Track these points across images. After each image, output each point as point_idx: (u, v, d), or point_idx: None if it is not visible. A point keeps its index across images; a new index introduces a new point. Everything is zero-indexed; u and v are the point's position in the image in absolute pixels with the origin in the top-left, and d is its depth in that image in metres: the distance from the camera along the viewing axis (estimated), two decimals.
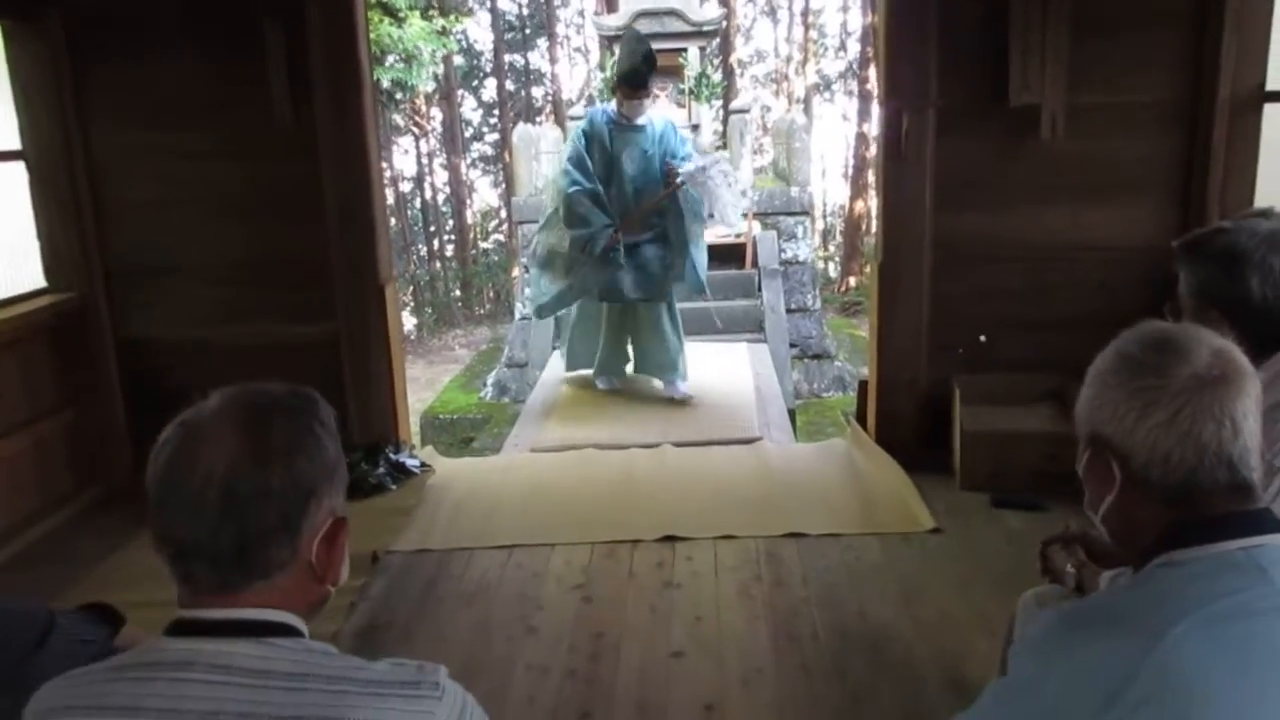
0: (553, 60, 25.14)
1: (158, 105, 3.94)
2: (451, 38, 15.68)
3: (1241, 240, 1.66)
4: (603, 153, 5.09)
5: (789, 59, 25.23)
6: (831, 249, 23.66)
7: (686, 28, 10.73)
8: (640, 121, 5.11)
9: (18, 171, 3.93)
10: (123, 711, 0.95)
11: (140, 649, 1.01)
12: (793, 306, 8.80)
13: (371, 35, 12.19)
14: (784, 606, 2.97)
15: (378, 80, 12.39)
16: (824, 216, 25.44)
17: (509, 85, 25.33)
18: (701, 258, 5.22)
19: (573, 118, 9.66)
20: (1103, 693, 1.00)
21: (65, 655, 1.71)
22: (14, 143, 3.90)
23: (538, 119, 25.36)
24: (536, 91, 26.43)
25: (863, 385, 4.34)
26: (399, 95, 14.50)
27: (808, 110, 23.94)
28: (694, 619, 2.92)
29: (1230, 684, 0.98)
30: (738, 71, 23.50)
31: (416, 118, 22.42)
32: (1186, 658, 0.99)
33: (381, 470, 3.99)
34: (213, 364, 4.08)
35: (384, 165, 21.92)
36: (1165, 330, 1.16)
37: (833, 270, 21.54)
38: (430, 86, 18.98)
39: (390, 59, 12.54)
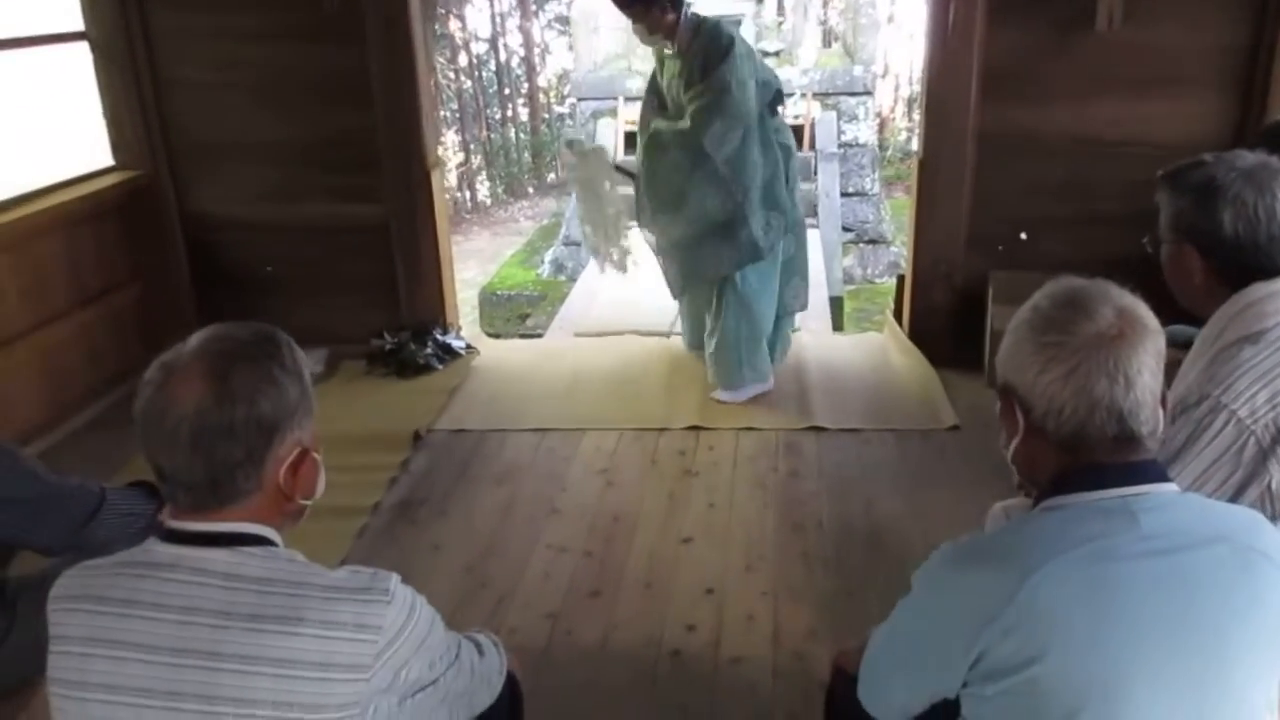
0: None
1: None
2: None
3: (1219, 174, 1.66)
4: (655, 90, 3.89)
5: None
6: (917, 117, 22.85)
7: None
8: (679, 46, 3.60)
9: (83, 53, 4.09)
10: (122, 603, 1.13)
11: (137, 549, 1.19)
12: (850, 190, 8.63)
13: None
14: (794, 497, 3.11)
15: None
16: (910, 83, 24.46)
17: None
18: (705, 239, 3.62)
19: None
20: (978, 619, 1.12)
21: (114, 527, 1.95)
22: (78, 25, 4.04)
23: None
24: None
25: (900, 280, 4.36)
26: None
27: None
28: (707, 506, 3.08)
29: (1085, 619, 1.08)
30: None
31: None
32: (1050, 594, 1.09)
33: (429, 351, 4.18)
34: (271, 241, 4.30)
35: (459, 24, 21.66)
36: (1076, 288, 1.21)
37: (915, 143, 20.85)
38: None
39: None
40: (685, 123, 3.52)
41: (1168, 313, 1.86)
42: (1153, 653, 1.09)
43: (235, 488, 1.16)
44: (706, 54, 3.50)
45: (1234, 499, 1.60)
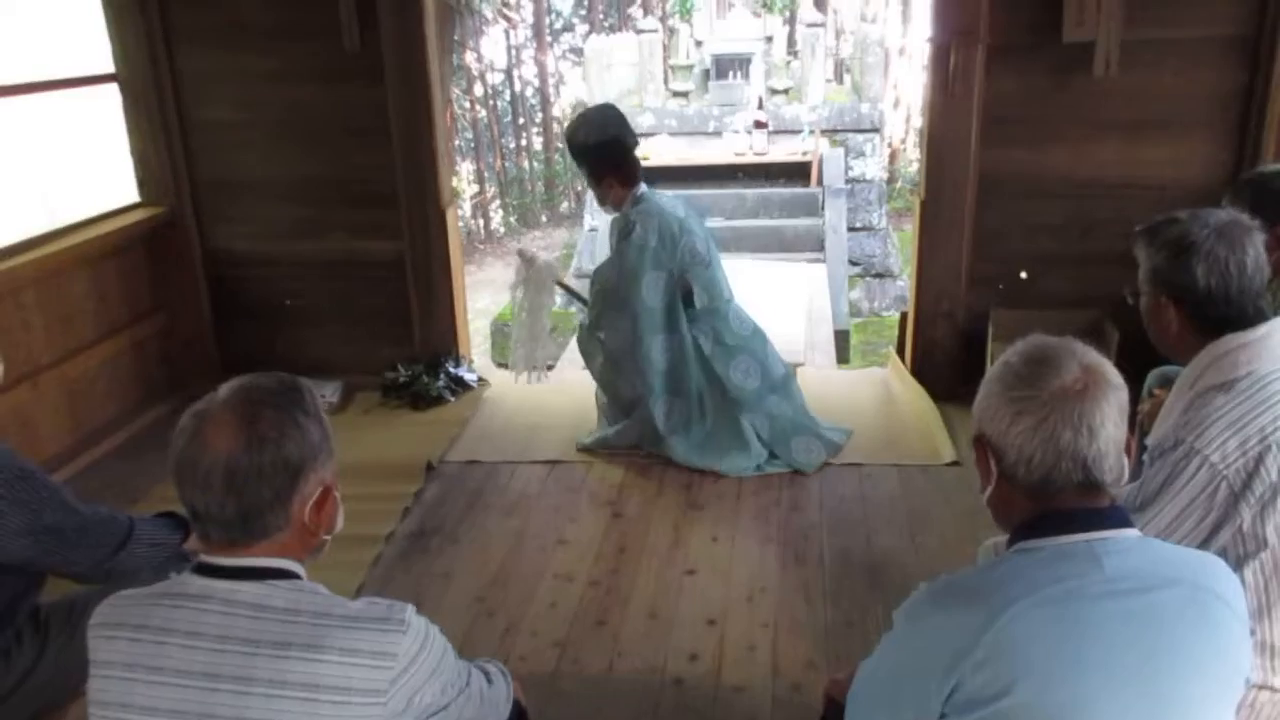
0: None
1: (237, 29, 4.14)
2: None
3: (1193, 230, 1.76)
4: None
5: None
6: None
7: None
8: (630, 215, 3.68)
9: (113, 94, 4.23)
10: (159, 631, 1.22)
11: (173, 581, 1.28)
12: (858, 225, 8.80)
13: None
14: (796, 530, 3.19)
15: None
16: (923, 106, 24.58)
17: None
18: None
19: (640, 30, 9.65)
20: (951, 653, 1.20)
21: (142, 556, 2.05)
22: (109, 67, 4.19)
23: (629, 10, 24.95)
24: None
25: (903, 316, 4.44)
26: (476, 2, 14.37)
27: (906, 1, 23.00)
28: (711, 539, 3.16)
29: (1052, 655, 1.16)
30: None
31: (505, 9, 22.27)
32: (1019, 631, 1.17)
33: (441, 383, 4.29)
34: (289, 275, 4.43)
35: (475, 56, 21.97)
36: (1044, 345, 1.31)
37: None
38: None
39: None
40: (584, 316, 3.79)
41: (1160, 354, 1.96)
42: (1115, 687, 1.17)
43: (264, 525, 1.26)
44: (618, 233, 3.70)
45: (1209, 539, 1.68)
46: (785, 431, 3.66)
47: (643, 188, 3.68)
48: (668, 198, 3.76)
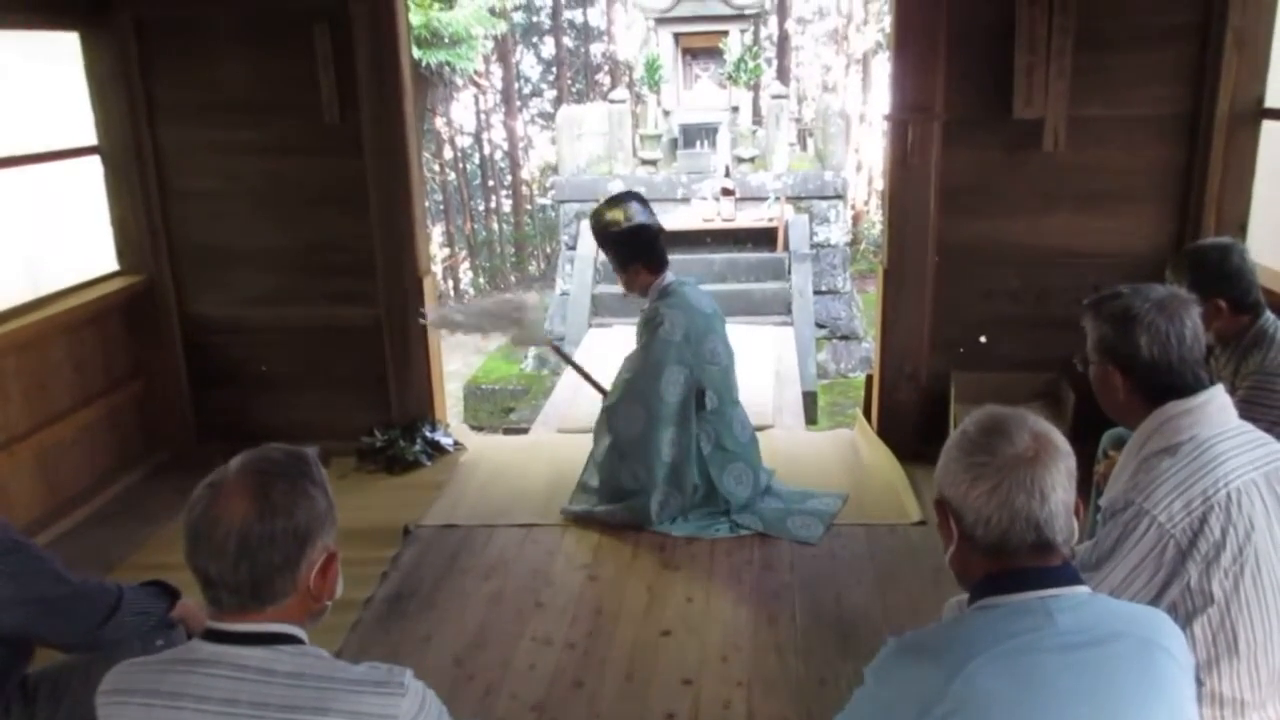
0: (609, 21, 25.14)
1: (219, 104, 4.26)
2: (502, 18, 15.86)
3: (1135, 304, 1.89)
4: None
5: (849, 17, 24.91)
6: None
7: (727, 10, 10.80)
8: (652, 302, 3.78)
9: (95, 165, 4.31)
10: (169, 695, 1.28)
11: (182, 648, 1.34)
12: (823, 288, 9.05)
13: (420, 20, 12.38)
14: (769, 590, 3.26)
15: (426, 62, 12.58)
16: (884, 175, 25.16)
17: (568, 42, 25.44)
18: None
19: (612, 100, 9.95)
20: (919, 706, 1.29)
21: (129, 625, 2.08)
22: (92, 139, 4.28)
23: (596, 77, 25.51)
24: (596, 48, 26.50)
25: (869, 379, 4.58)
26: (447, 72, 14.71)
27: (866, 70, 23.71)
28: (685, 600, 3.23)
29: (1011, 705, 1.26)
30: (798, 30, 23.40)
31: (475, 75, 22.68)
32: (980, 683, 1.26)
33: (418, 447, 4.34)
34: (266, 342, 4.49)
35: (444, 120, 22.26)
36: (998, 415, 1.41)
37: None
38: (482, 64, 19.17)
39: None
40: (609, 400, 3.82)
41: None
42: None
43: (274, 589, 1.32)
44: (644, 324, 3.74)
45: (1159, 595, 1.78)
46: (779, 520, 3.68)
47: (670, 277, 3.75)
48: (695, 292, 3.81)
